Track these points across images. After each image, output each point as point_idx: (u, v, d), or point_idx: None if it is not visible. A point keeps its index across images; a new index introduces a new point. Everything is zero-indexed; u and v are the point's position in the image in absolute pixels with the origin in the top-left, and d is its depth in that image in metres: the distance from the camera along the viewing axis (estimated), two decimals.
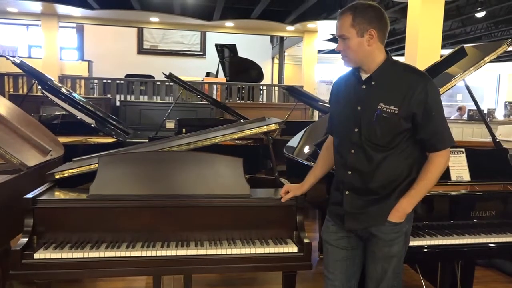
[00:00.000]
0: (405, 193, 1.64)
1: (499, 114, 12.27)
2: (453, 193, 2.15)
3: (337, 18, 1.65)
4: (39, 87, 4.40)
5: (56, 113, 5.39)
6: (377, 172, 1.63)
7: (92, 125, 4.26)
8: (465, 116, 10.01)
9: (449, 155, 1.68)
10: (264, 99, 10.68)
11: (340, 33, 1.62)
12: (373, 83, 1.64)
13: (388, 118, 1.59)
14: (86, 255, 1.78)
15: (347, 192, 1.69)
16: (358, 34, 1.59)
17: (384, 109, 1.59)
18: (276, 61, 13.06)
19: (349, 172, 1.68)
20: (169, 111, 5.38)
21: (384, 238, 1.66)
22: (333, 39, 11.15)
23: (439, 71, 2.74)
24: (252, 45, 12.22)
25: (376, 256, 1.68)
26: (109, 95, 9.21)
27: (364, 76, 1.66)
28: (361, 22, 1.58)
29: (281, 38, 11.90)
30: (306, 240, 1.92)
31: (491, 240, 2.04)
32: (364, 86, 1.66)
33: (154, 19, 9.63)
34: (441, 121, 1.63)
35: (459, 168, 2.27)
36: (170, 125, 6.09)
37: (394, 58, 1.71)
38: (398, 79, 1.62)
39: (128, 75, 10.02)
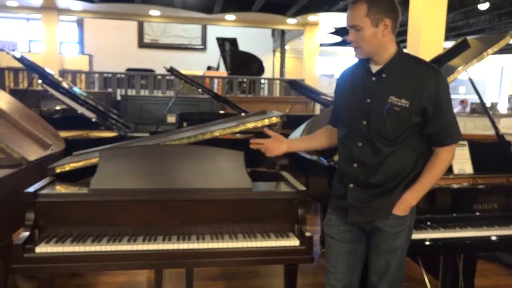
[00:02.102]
0: (410, 187, 1.63)
1: (502, 108, 12.22)
2: (455, 186, 2.14)
3: (349, 7, 1.59)
4: (40, 81, 4.39)
5: (57, 108, 5.38)
6: (383, 165, 1.62)
7: (93, 119, 4.25)
8: (467, 109, 9.98)
9: (455, 150, 1.66)
10: (265, 93, 10.65)
11: (353, 23, 1.57)
12: (383, 75, 1.61)
13: (399, 112, 1.56)
14: (87, 249, 1.78)
15: (351, 185, 1.68)
16: (373, 24, 1.55)
17: (395, 102, 1.56)
18: (277, 54, 13.00)
19: (355, 165, 1.66)
20: (170, 105, 5.36)
21: (389, 231, 1.65)
22: (336, 32, 11.09)
23: (442, 64, 2.72)
24: (253, 38, 12.17)
25: (380, 250, 1.68)
26: (109, 89, 9.20)
27: (374, 68, 1.63)
28: (376, 11, 1.54)
29: (282, 31, 11.84)
30: (307, 234, 1.91)
31: (494, 233, 2.03)
32: (374, 79, 1.62)
33: (154, 12, 9.58)
34: (450, 115, 1.61)
35: (462, 161, 2.26)
36: (171, 119, 6.09)
37: None
38: (409, 72, 1.59)
39: (128, 69, 10.00)
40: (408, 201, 1.63)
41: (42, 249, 1.75)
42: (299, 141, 1.92)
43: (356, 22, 1.56)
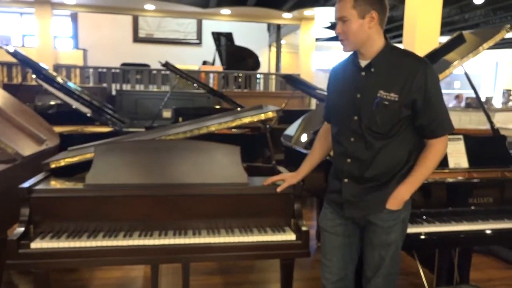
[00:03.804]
0: (403, 180, 1.63)
1: (497, 102, 12.28)
2: (451, 180, 2.15)
3: (337, 0, 1.60)
4: (34, 76, 4.35)
5: (51, 103, 5.34)
6: (377, 159, 1.62)
7: (88, 115, 4.22)
8: (462, 104, 10.03)
9: (447, 141, 1.67)
10: (261, 88, 10.62)
11: (340, 15, 1.58)
12: (372, 70, 1.61)
13: (388, 106, 1.57)
14: (83, 244, 1.77)
15: (346, 180, 1.68)
16: (359, 16, 1.55)
17: (384, 96, 1.57)
18: (273, 49, 12.97)
19: (348, 160, 1.67)
20: (165, 100, 5.34)
21: (382, 225, 1.65)
22: (331, 27, 11.06)
23: (438, 58, 2.72)
24: (249, 33, 12.12)
25: (374, 244, 1.68)
26: (104, 84, 9.14)
27: (363, 63, 1.64)
28: (363, 3, 1.54)
29: (278, 26, 11.79)
30: (304, 228, 1.91)
31: (489, 226, 2.04)
32: (363, 73, 1.63)
33: (149, 6, 9.50)
34: (440, 106, 1.61)
35: (457, 155, 2.27)
36: (167, 114, 6.06)
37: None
38: (397, 66, 1.59)
39: (123, 64, 9.94)
40: (401, 195, 1.63)
41: (37, 244, 1.75)
42: (307, 165, 1.95)
43: (343, 13, 1.56)
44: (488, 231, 2.04)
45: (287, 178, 1.97)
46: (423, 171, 1.63)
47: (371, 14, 1.56)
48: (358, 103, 1.62)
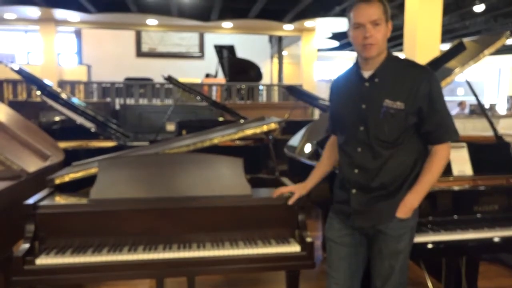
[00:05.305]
0: (411, 189, 1.64)
1: (501, 108, 12.25)
2: (456, 188, 2.13)
3: (361, 5, 1.59)
4: (38, 93, 4.40)
5: (55, 118, 5.38)
6: (384, 169, 1.63)
7: (92, 129, 4.25)
8: (466, 111, 10.01)
9: (450, 147, 1.68)
10: (264, 99, 10.67)
11: (374, 18, 1.57)
12: (376, 80, 1.63)
13: (395, 114, 1.58)
14: (88, 259, 1.77)
15: (353, 191, 1.68)
16: (386, 22, 1.60)
17: (390, 105, 1.59)
18: (275, 60, 13.05)
19: (356, 171, 1.67)
20: (168, 113, 5.37)
21: (392, 234, 1.65)
22: (333, 37, 11.13)
23: (439, 66, 2.73)
24: (251, 45, 12.23)
25: (383, 253, 1.67)
26: (108, 99, 9.22)
27: (366, 74, 1.65)
28: (387, 11, 1.60)
29: (280, 37, 11.89)
30: (308, 239, 1.90)
31: (495, 234, 2.02)
32: (367, 84, 1.65)
33: (151, 21, 9.63)
34: (445, 112, 1.63)
35: (462, 162, 2.26)
36: (170, 127, 6.08)
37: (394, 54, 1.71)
38: (401, 75, 1.62)
39: (127, 79, 10.03)
40: (410, 203, 1.63)
41: (42, 261, 1.75)
42: (313, 177, 1.96)
43: (378, 16, 1.58)
44: (495, 239, 2.01)
45: (295, 190, 1.96)
46: (430, 178, 1.63)
47: (389, 23, 1.62)
48: (363, 113, 1.64)
